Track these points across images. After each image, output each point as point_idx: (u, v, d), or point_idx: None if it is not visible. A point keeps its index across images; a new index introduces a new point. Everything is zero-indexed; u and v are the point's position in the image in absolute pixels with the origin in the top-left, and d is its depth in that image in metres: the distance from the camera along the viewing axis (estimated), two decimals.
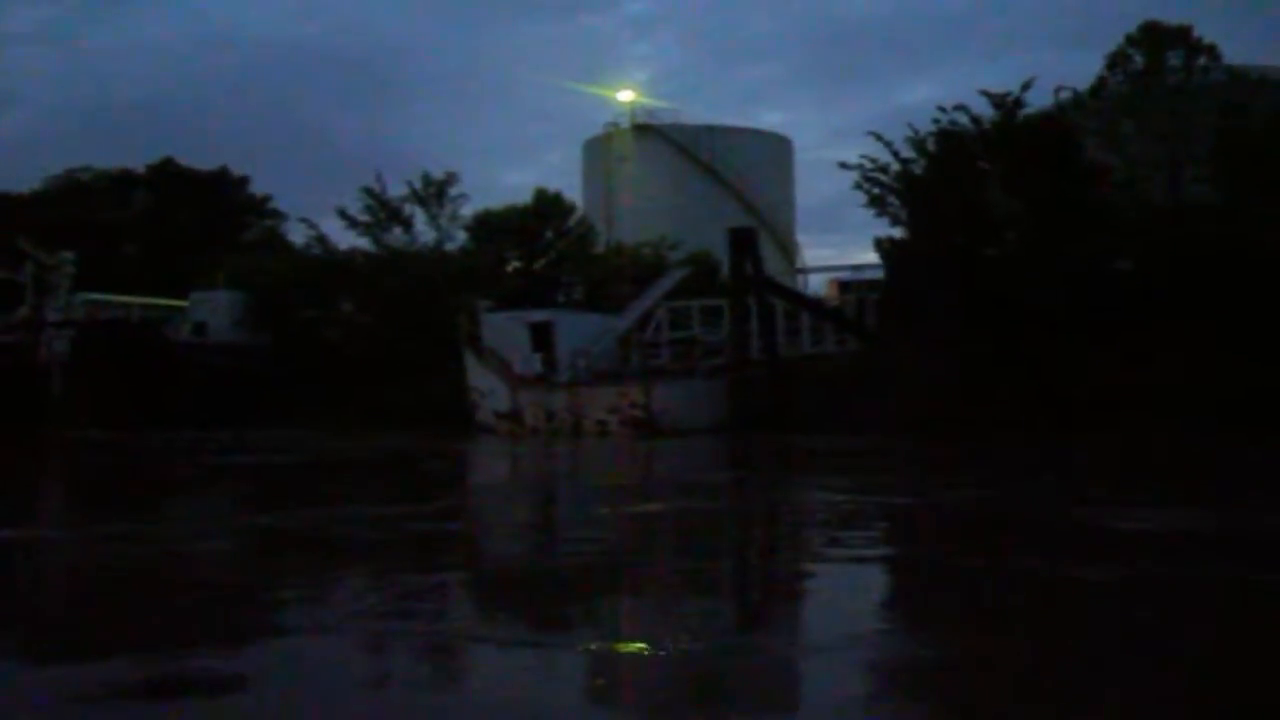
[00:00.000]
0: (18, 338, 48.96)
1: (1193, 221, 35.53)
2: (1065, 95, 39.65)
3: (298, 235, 58.77)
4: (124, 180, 61.87)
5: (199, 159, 63.78)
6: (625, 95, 59.59)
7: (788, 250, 55.87)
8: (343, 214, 50.26)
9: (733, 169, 57.76)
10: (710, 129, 59.43)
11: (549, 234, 51.82)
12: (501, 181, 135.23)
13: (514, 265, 50.91)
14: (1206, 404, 27.85)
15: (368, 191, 49.73)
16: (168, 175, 61.23)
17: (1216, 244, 32.81)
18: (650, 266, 47.94)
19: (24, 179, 68.13)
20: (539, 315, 38.99)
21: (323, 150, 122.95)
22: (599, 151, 61.43)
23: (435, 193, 49.72)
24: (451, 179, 49.66)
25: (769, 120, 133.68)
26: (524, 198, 52.36)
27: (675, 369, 37.09)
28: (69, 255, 50.65)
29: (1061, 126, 38.71)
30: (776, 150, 55.36)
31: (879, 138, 38.16)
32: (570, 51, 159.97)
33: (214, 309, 52.69)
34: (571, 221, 52.23)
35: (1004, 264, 37.67)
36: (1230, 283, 30.71)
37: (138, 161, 63.68)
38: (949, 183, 38.27)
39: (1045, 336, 31.82)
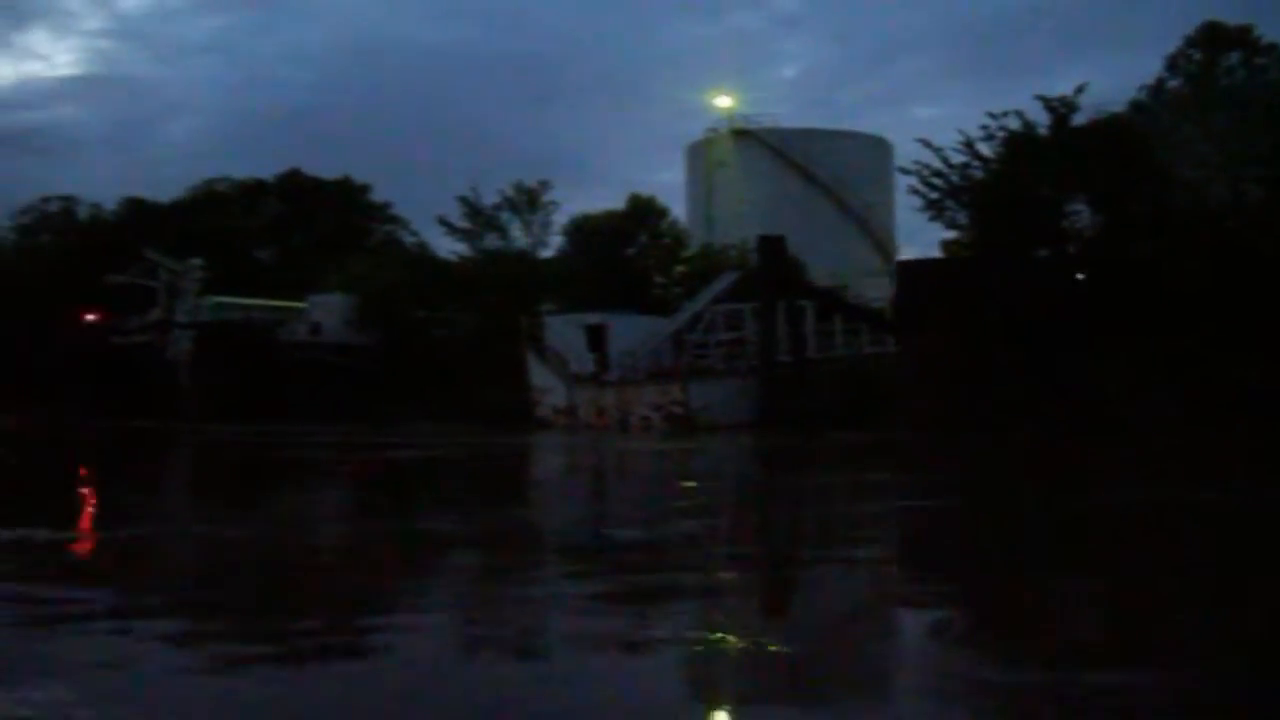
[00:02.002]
0: (150, 338, 57.32)
1: (1249, 223, 37.67)
2: (1137, 96, 42.11)
3: (431, 239, 66.03)
4: (255, 189, 70.16)
5: (350, 162, 71.86)
6: (723, 101, 64.16)
7: (886, 250, 59.07)
8: (443, 221, 56.68)
9: (829, 172, 61.48)
10: (807, 132, 63.23)
11: (642, 238, 56.76)
12: (654, 180, 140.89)
13: (603, 269, 55.99)
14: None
15: (464, 200, 55.94)
16: (295, 184, 69.23)
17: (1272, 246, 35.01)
18: (736, 269, 52.27)
19: (187, 185, 77.36)
20: (594, 318, 44.10)
21: (468, 152, 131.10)
22: (700, 156, 66.13)
23: (528, 200, 55.52)
24: (544, 187, 55.40)
25: (921, 115, 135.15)
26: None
27: (719, 369, 41.44)
28: (198, 261, 58.63)
29: (1128, 128, 41.22)
30: (875, 152, 58.68)
31: (928, 144, 41.50)
32: (718, 51, 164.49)
33: (328, 311, 59.91)
34: (663, 225, 57.08)
35: (1066, 264, 40.58)
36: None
37: (299, 165, 72.55)
38: (1012, 185, 41.29)
39: (1100, 337, 34.49)
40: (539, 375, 44.99)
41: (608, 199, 65.23)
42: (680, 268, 55.93)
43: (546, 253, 57.07)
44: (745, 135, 63.35)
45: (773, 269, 38.85)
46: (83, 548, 12.06)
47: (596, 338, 43.35)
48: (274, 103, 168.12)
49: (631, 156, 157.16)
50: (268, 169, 73.30)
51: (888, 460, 27.13)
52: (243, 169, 74.28)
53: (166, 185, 79.57)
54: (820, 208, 60.29)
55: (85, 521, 14.47)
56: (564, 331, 44.59)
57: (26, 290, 65.85)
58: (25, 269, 69.66)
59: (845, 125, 71.34)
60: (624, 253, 56.13)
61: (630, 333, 42.95)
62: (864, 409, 35.56)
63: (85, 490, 19.64)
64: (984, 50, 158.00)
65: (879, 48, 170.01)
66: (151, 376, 55.70)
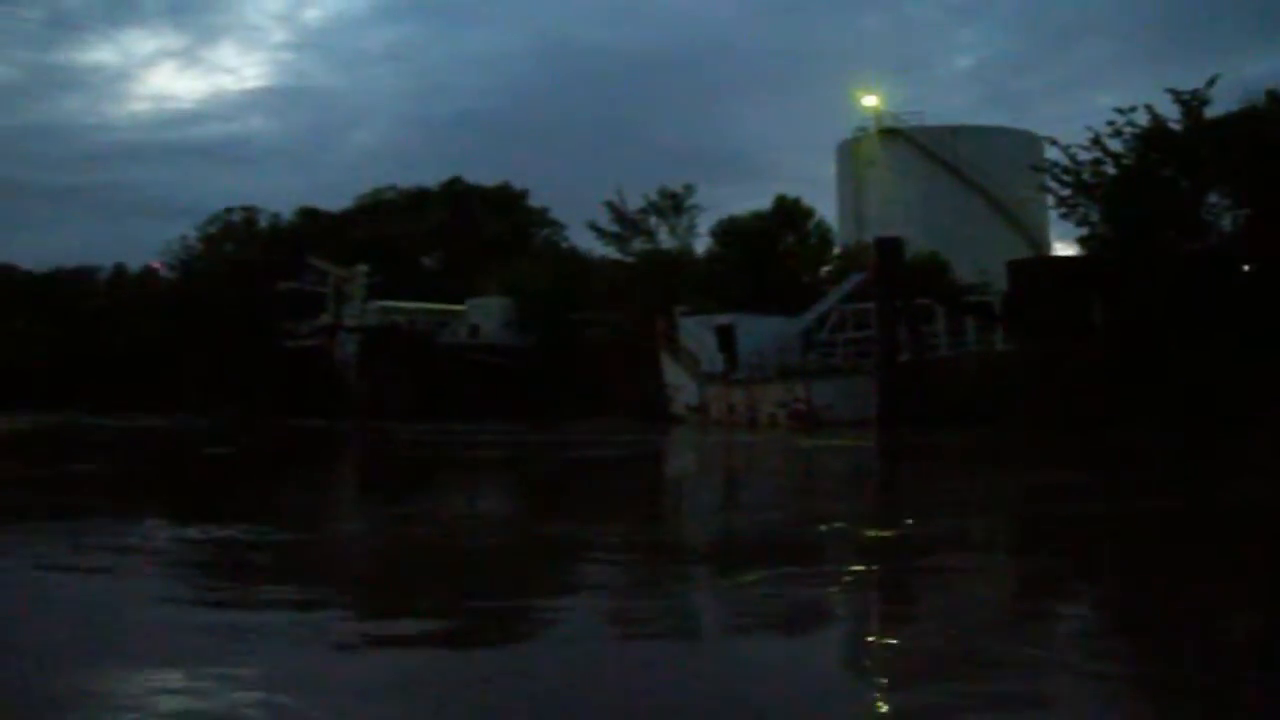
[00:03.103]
0: (319, 341, 63.20)
1: None
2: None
3: (579, 241, 70.42)
4: (420, 197, 75.68)
5: (516, 165, 76.68)
6: (871, 100, 66.10)
7: (1039, 246, 60.00)
8: (593, 226, 60.77)
9: (980, 169, 62.83)
10: (957, 129, 64.62)
11: (789, 239, 59.50)
12: (808, 177, 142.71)
13: (750, 270, 58.94)
14: None
15: (609, 205, 59.87)
16: (457, 191, 74.42)
17: None
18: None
19: (361, 192, 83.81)
20: (723, 319, 47.20)
21: (628, 153, 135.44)
22: (849, 155, 68.27)
23: (672, 204, 59.05)
24: (688, 191, 58.87)
25: (1101, 103, 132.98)
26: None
27: (843, 367, 43.84)
28: (364, 268, 64.21)
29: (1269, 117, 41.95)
30: (1027, 148, 59.59)
31: (1053, 141, 43.09)
32: (892, 43, 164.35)
33: (487, 314, 64.73)
34: (810, 225, 59.69)
35: (1210, 261, 41.58)
36: None
37: (477, 172, 78.06)
38: (1145, 179, 42.50)
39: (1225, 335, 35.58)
40: (672, 374, 48.50)
41: (764, 195, 67.96)
42: (827, 268, 58.46)
43: (695, 253, 60.31)
44: (894, 134, 65.28)
45: (890, 269, 41.12)
46: (283, 544, 12.35)
47: (726, 337, 46.46)
48: (448, 109, 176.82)
49: (786, 154, 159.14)
50: (442, 174, 79.20)
51: (1033, 460, 26.69)
52: (418, 175, 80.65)
53: (348, 190, 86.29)
54: (971, 205, 61.80)
55: (280, 519, 14.97)
56: (696, 332, 47.86)
57: (211, 297, 72.92)
58: (210, 276, 76.84)
59: (1024, 114, 72.40)
60: (771, 253, 58.87)
61: (759, 332, 45.82)
62: (979, 407, 37.49)
63: (273, 488, 21.40)
64: (1169, 34, 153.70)
65: (1058, 34, 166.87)
66: (321, 378, 61.51)
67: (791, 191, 60.43)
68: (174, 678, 5.90)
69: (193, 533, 12.64)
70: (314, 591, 9.18)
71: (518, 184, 77.16)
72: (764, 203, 60.32)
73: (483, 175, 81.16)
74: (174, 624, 7.57)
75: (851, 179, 66.89)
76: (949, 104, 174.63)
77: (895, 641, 7.33)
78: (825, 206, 65.82)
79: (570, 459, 28.88)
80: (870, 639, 7.44)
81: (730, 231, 60.44)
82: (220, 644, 6.72)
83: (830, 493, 20.05)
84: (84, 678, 6.01)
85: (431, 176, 79.80)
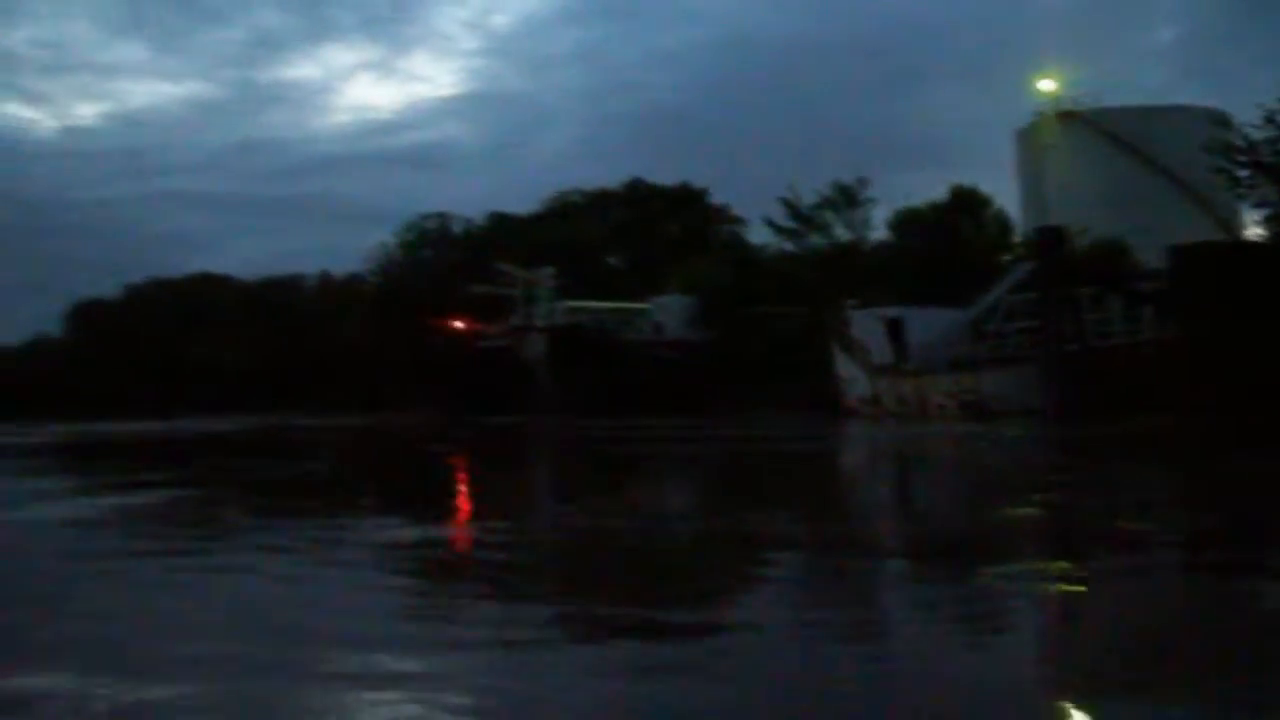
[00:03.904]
0: (509, 342, 67.58)
1: None
2: None
3: (757, 236, 73.10)
4: (603, 198, 79.46)
5: (701, 160, 79.55)
6: (1048, 84, 66.38)
7: (1230, 228, 59.46)
8: (769, 222, 63.40)
9: (1166, 150, 62.54)
10: (1140, 110, 64.24)
11: (967, 228, 60.87)
12: (988, 164, 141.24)
13: (927, 260, 60.51)
14: None
15: (784, 201, 62.36)
16: (638, 192, 77.93)
17: None
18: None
19: (550, 193, 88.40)
20: (892, 311, 49.14)
21: (809, 144, 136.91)
22: (1028, 141, 68.62)
23: (846, 198, 61.13)
24: (862, 184, 60.90)
25: None
26: None
27: (1011, 357, 45.19)
28: (550, 270, 68.32)
29: None
30: (1216, 127, 59.05)
31: (1223, 121, 43.64)
32: (1085, 17, 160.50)
33: (669, 311, 68.03)
34: (988, 214, 60.95)
35: None
36: None
37: (662, 168, 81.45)
38: None
39: None
40: (844, 366, 50.79)
41: (946, 180, 69.00)
42: (1007, 257, 59.60)
43: (870, 246, 62.29)
44: (1073, 117, 65.55)
45: (1052, 258, 42.45)
46: (492, 541, 12.50)
47: (896, 330, 48.46)
48: (634, 107, 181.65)
49: (967, 139, 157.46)
50: (628, 171, 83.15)
51: (1223, 447, 26.37)
52: (605, 174, 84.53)
53: (541, 190, 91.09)
54: (1157, 188, 61.70)
55: (501, 514, 15.30)
56: (866, 324, 49.99)
57: (409, 300, 78.40)
58: (408, 280, 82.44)
59: (1230, 91, 71.72)
60: (949, 243, 60.30)
61: (929, 324, 47.62)
62: (1152, 395, 38.54)
63: (477, 484, 22.31)
64: None
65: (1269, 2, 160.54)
66: (511, 377, 65.86)
67: (973, 177, 61.91)
68: (394, 665, 6.26)
69: (427, 531, 13.01)
70: (525, 583, 9.61)
71: (699, 181, 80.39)
72: (945, 188, 62.00)
73: (668, 171, 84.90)
74: (390, 617, 7.89)
75: (1031, 165, 67.44)
76: (1145, 81, 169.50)
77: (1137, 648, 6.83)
78: (1009, 193, 66.88)
79: (753, 452, 29.84)
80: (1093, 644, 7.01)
81: (907, 222, 62.16)
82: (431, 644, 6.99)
83: (1019, 485, 19.56)
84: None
85: (617, 175, 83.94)
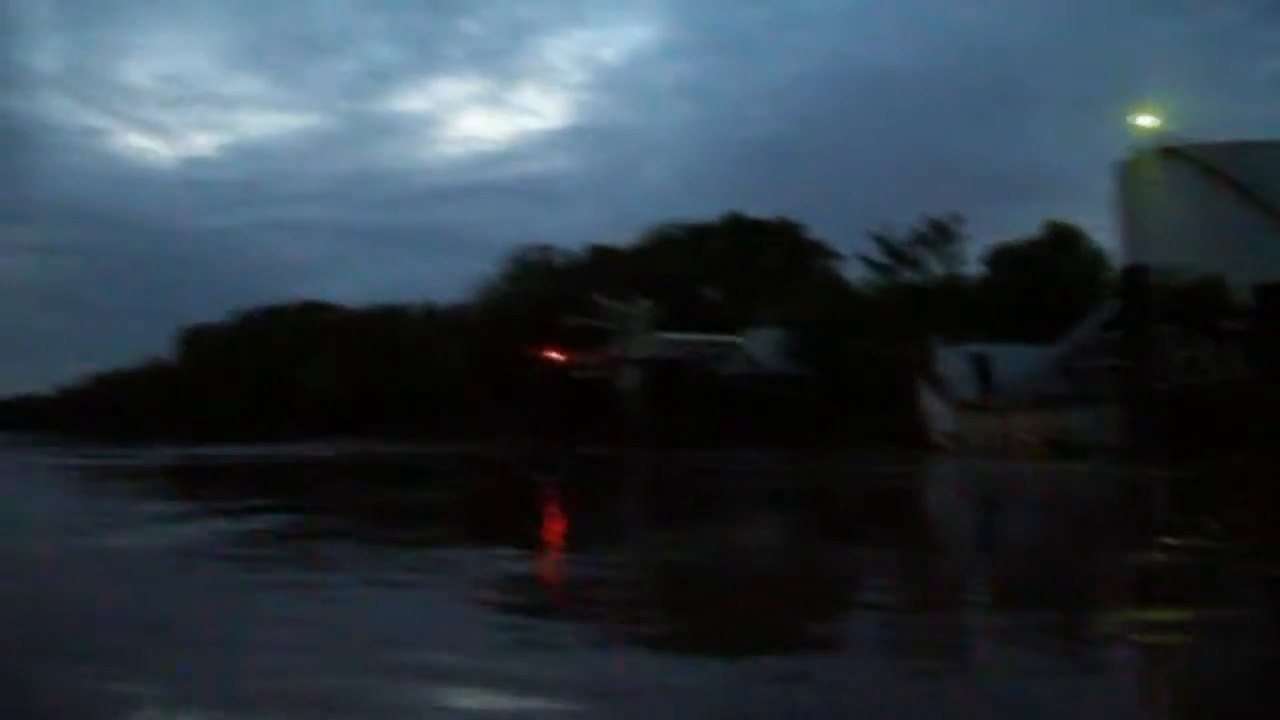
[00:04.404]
0: (603, 373, 69.66)
1: None
2: None
3: (854, 270, 74.40)
4: (701, 232, 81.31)
5: (805, 194, 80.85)
6: (1147, 119, 66.51)
7: None
8: (862, 258, 64.77)
9: (1267, 186, 62.26)
10: (1243, 145, 64.12)
11: (1061, 263, 61.56)
12: (1086, 197, 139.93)
13: (1023, 296, 61.31)
14: None
15: (878, 238, 63.66)
16: (736, 225, 79.65)
17: None
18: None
19: (652, 225, 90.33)
20: (978, 348, 50.27)
21: (920, 175, 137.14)
22: (1127, 175, 68.71)
23: (940, 234, 62.24)
24: (956, 220, 61.98)
25: None
26: None
27: (1096, 395, 45.82)
28: (646, 303, 70.28)
29: None
30: None
31: None
32: (1195, 48, 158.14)
33: (763, 344, 69.46)
34: (1084, 249, 61.50)
35: None
36: None
37: (763, 199, 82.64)
38: None
39: None
40: (930, 402, 51.94)
41: (1045, 212, 69.61)
42: (1108, 293, 60.11)
43: (963, 282, 63.24)
44: (1173, 152, 65.63)
45: (1137, 297, 43.21)
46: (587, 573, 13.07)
47: (982, 366, 49.54)
48: (737, 139, 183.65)
49: (1067, 173, 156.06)
50: (730, 204, 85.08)
51: None
52: (707, 206, 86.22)
53: (645, 221, 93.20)
54: (1258, 224, 61.54)
55: (590, 546, 16.07)
56: (952, 361, 51.15)
57: (508, 331, 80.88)
58: (508, 311, 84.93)
59: None
60: (1044, 279, 61.03)
61: (1015, 361, 48.61)
62: (1240, 434, 38.96)
63: (576, 515, 23.33)
64: None
65: None
66: (605, 408, 67.89)
67: (1070, 211, 62.50)
68: (490, 677, 6.98)
69: (533, 562, 13.58)
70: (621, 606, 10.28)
71: (798, 212, 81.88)
72: (1041, 222, 62.69)
73: (769, 204, 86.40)
74: (498, 633, 8.80)
75: (1129, 199, 67.67)
76: (1249, 113, 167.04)
77: None
78: (1106, 227, 67.16)
79: (845, 487, 30.68)
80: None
81: (1002, 257, 62.99)
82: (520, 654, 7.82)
83: (1107, 523, 20.37)
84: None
85: (719, 207, 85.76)
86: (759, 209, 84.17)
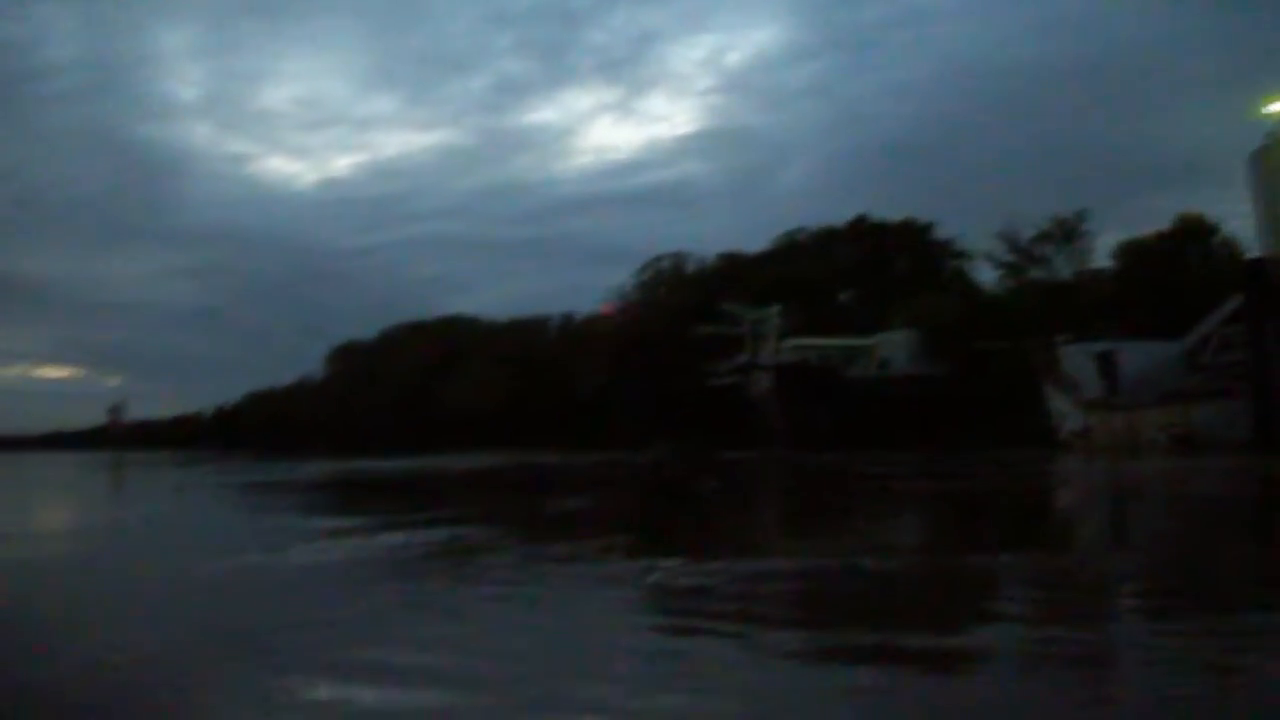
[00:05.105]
0: (736, 379, 72.42)
1: None
2: None
3: (983, 271, 75.84)
4: (830, 236, 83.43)
5: (936, 192, 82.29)
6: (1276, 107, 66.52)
7: None
8: (989, 257, 66.35)
9: None
10: None
11: (1193, 256, 62.29)
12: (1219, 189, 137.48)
13: (1153, 292, 62.15)
14: None
15: (1003, 236, 65.22)
16: (865, 228, 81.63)
17: None
18: None
19: (784, 229, 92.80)
20: (1102, 346, 51.59)
21: (1050, 170, 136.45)
22: (1260, 165, 68.73)
23: (1065, 232, 63.55)
24: (1082, 217, 63.20)
25: None
26: None
27: (1222, 390, 46.76)
28: (776, 308, 72.78)
29: None
30: None
31: None
32: None
33: (895, 347, 71.40)
34: (1215, 242, 62.16)
35: None
36: None
37: (894, 198, 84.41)
38: None
39: None
40: (1057, 401, 53.49)
41: (1180, 204, 70.16)
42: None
43: (1089, 279, 64.38)
44: None
45: (1258, 289, 44.23)
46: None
47: (1107, 364, 50.91)
48: (867, 140, 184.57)
49: (1203, 162, 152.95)
50: (863, 203, 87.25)
51: None
52: (839, 207, 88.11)
53: (778, 224, 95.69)
54: None
55: (745, 552, 15.73)
56: (1078, 359, 52.62)
57: (643, 340, 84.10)
58: (643, 320, 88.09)
59: None
60: (1174, 274, 61.77)
61: (1141, 357, 49.93)
62: None
63: (724, 520, 23.29)
64: None
65: None
66: (738, 413, 70.67)
67: (1208, 203, 63.05)
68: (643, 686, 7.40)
69: (694, 573, 13.10)
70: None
71: (928, 212, 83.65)
72: (1173, 214, 63.54)
73: (901, 203, 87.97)
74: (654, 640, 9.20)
75: (1264, 190, 67.91)
76: None
77: None
78: (1240, 217, 67.59)
79: (978, 488, 30.78)
80: None
81: (1131, 252, 63.98)
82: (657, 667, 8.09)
83: (1249, 520, 20.48)
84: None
85: (851, 208, 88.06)
86: (890, 208, 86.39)
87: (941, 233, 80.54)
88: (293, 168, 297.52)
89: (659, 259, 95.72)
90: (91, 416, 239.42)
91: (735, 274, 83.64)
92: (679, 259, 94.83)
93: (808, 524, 21.76)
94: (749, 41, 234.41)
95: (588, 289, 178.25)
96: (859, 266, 79.19)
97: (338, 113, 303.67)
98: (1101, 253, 65.86)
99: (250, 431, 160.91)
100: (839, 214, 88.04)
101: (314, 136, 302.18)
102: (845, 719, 6.76)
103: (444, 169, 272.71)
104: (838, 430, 64.14)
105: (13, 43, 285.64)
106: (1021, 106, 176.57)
